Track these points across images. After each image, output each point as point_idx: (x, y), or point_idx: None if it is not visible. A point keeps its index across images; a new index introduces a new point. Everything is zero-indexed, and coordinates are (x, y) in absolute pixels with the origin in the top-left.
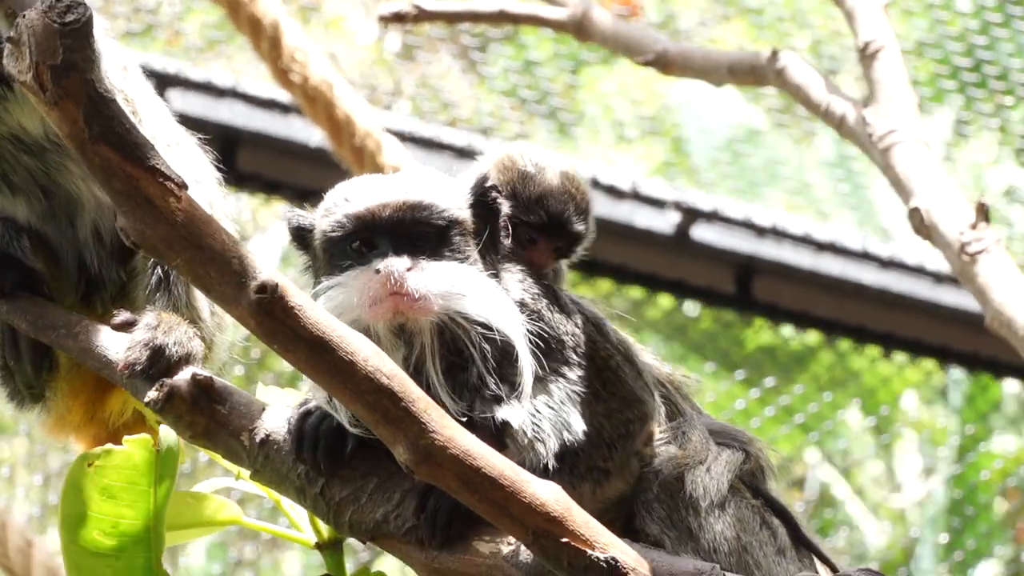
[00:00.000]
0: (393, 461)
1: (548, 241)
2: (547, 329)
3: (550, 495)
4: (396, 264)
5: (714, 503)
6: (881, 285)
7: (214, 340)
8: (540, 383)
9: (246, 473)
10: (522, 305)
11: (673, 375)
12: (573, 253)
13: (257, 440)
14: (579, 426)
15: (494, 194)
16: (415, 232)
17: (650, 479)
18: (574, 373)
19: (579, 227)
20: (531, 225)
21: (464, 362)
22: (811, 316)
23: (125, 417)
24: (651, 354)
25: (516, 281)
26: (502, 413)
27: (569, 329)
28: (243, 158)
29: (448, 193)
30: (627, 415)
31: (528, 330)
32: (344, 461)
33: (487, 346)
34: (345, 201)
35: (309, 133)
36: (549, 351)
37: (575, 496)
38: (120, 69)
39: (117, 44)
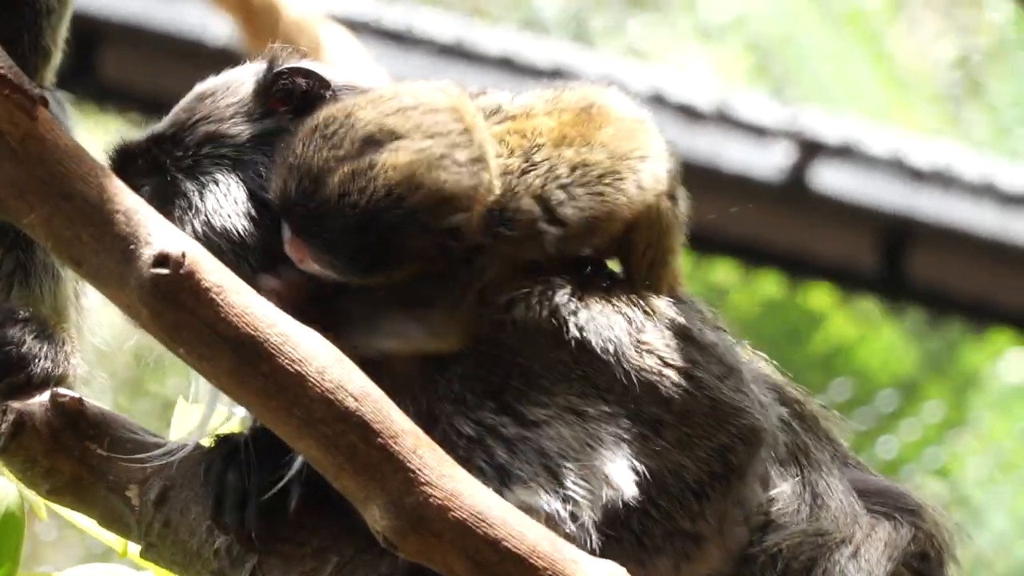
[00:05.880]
0: (365, 528)
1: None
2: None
3: None
4: None
5: None
6: None
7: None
8: (535, 428)
9: (134, 548)
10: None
11: (806, 402)
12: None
13: (152, 497)
14: (624, 479)
15: None
16: None
17: (765, 564)
18: (600, 403)
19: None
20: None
21: None
22: (995, 306)
23: None
24: (767, 365)
25: None
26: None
27: (581, 332)
28: (107, 62)
29: None
30: (719, 439)
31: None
32: (287, 527)
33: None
34: None
35: (206, 24)
36: (536, 376)
37: None
38: None
39: None
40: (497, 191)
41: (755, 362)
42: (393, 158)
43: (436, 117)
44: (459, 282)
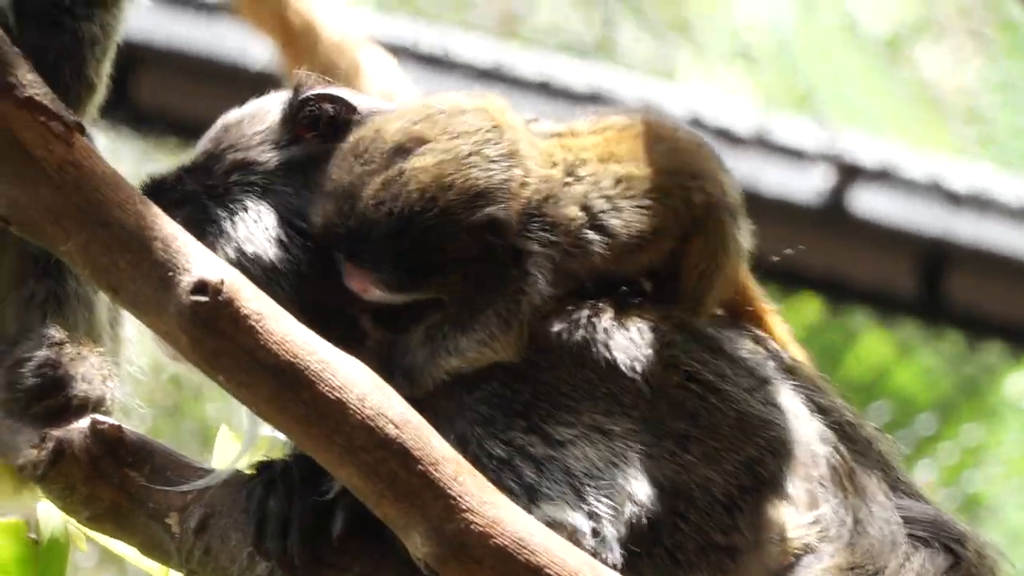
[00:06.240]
0: (407, 555)
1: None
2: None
3: None
4: None
5: None
6: None
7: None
8: (562, 447)
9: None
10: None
11: (859, 425)
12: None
13: (192, 524)
14: (648, 495)
15: None
16: None
17: None
18: (625, 421)
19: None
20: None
21: None
22: None
23: None
24: (827, 386)
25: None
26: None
27: (602, 354)
28: (142, 85)
29: None
30: (747, 451)
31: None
32: (330, 553)
33: None
34: None
35: (246, 47)
36: (562, 395)
37: None
38: None
39: None
40: (533, 186)
41: (807, 381)
42: (421, 161)
43: (463, 118)
44: (510, 289)
